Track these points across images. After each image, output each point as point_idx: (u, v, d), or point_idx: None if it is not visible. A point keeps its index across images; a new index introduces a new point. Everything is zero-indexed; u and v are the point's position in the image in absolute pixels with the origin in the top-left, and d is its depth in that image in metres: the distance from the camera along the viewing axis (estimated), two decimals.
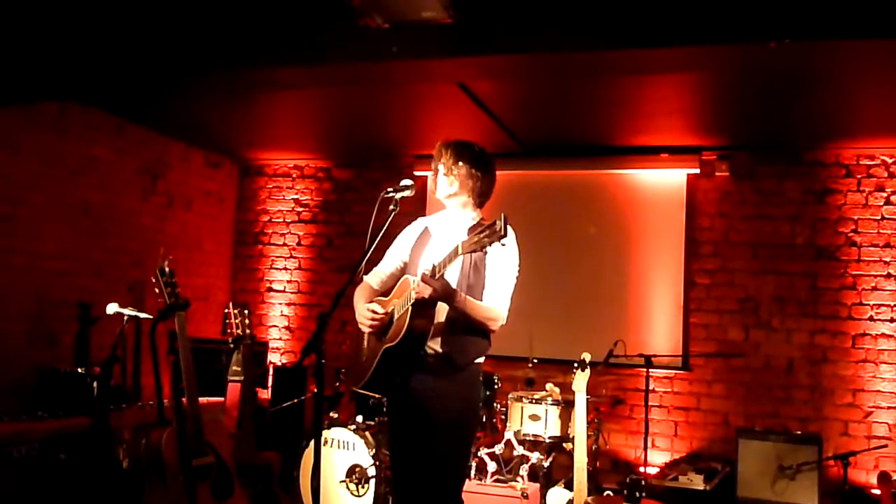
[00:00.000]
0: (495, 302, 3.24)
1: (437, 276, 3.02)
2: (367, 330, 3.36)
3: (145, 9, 4.35)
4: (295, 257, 7.80)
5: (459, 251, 2.94)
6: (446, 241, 3.33)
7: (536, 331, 5.81)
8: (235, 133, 7.04)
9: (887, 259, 6.04)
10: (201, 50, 4.45)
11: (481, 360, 3.35)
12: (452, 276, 3.18)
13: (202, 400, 4.06)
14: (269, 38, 4.32)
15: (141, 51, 4.50)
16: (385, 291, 3.58)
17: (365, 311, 3.33)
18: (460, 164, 3.28)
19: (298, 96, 5.79)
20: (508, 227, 3.36)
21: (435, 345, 3.22)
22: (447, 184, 3.32)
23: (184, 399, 3.80)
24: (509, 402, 5.42)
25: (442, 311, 3.19)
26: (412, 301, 3.08)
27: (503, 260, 3.23)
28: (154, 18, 4.38)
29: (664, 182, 6.62)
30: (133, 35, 4.46)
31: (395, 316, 3.24)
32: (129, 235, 6.56)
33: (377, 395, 3.98)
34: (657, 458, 6.33)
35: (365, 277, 3.57)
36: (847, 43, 3.68)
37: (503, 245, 2.86)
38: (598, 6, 3.75)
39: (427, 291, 3.02)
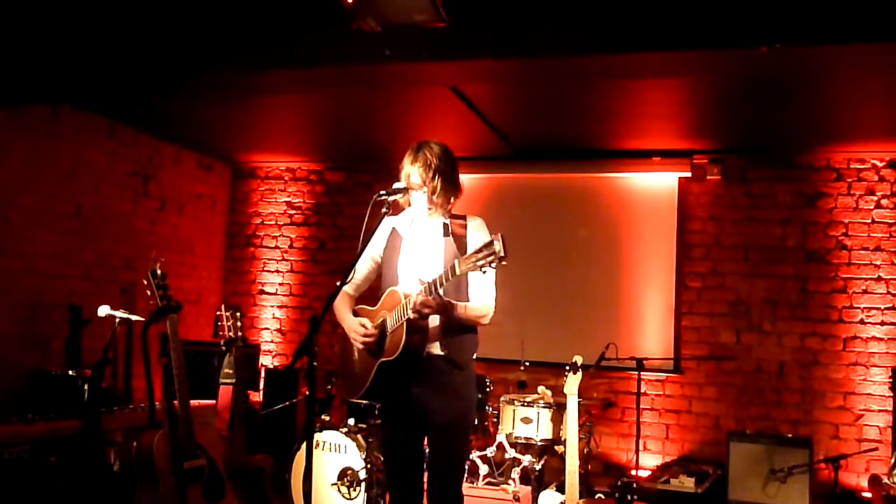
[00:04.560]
0: (485, 298, 3.29)
1: (434, 294, 3.04)
2: (359, 346, 3.34)
3: (137, 11, 4.35)
4: (287, 260, 7.79)
5: (458, 271, 2.95)
6: (420, 244, 3.35)
7: (528, 334, 5.82)
8: (227, 135, 7.03)
9: (878, 262, 6.07)
10: (194, 52, 4.45)
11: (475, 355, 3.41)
12: (437, 272, 3.11)
13: (194, 402, 4.06)
14: (262, 40, 4.32)
15: (133, 53, 4.50)
16: (362, 295, 3.58)
17: (357, 327, 3.31)
18: (432, 163, 3.23)
19: (291, 99, 5.78)
20: (480, 220, 3.36)
21: (434, 348, 3.24)
22: (418, 184, 3.24)
23: (175, 401, 3.79)
24: (501, 404, 5.43)
25: (436, 316, 3.20)
26: (408, 317, 3.08)
27: None
28: (146, 21, 4.37)
29: (656, 185, 6.63)
30: (125, 38, 4.46)
31: (389, 329, 3.23)
32: (120, 238, 6.53)
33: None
34: (649, 461, 6.34)
35: (344, 288, 3.52)
36: (838, 48, 3.72)
37: (504, 265, 2.85)
38: (590, 10, 3.77)
39: (425, 310, 3.06)
